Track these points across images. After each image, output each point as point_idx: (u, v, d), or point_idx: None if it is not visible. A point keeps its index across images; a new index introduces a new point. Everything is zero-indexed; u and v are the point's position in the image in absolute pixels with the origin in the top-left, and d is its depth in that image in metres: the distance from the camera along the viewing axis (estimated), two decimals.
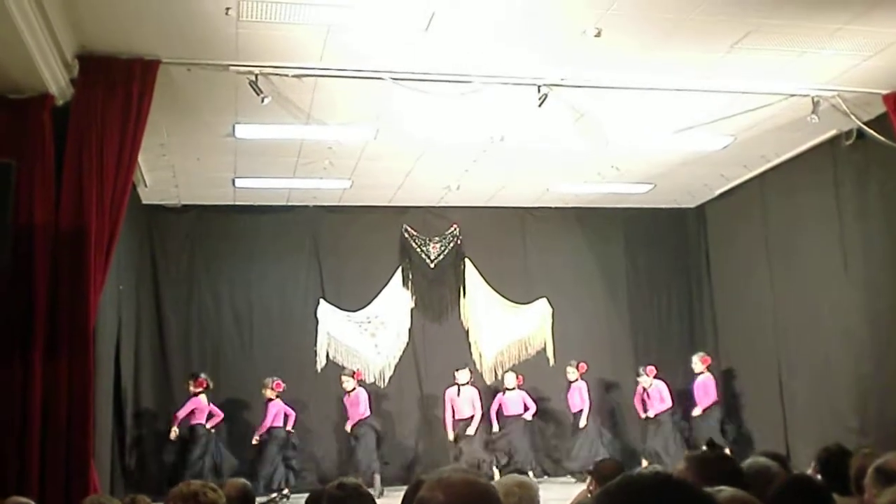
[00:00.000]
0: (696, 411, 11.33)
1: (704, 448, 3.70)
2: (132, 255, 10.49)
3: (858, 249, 9.71)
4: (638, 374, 11.62)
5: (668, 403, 11.42)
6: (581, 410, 11.51)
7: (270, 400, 10.79)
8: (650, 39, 6.96)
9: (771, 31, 6.83)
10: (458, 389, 11.33)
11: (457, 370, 11.33)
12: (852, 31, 6.89)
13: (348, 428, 11.00)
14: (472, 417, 11.28)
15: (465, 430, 11.20)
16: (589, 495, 4.65)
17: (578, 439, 11.44)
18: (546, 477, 11.30)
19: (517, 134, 9.10)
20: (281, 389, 10.82)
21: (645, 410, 11.57)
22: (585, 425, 11.45)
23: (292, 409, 10.99)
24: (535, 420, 11.79)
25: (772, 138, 9.69)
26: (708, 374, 11.46)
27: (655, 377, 11.54)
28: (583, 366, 11.60)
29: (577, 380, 11.58)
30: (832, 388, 10.02)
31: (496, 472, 10.67)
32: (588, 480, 4.94)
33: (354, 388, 11.03)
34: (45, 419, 6.41)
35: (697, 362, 11.51)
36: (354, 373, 11.12)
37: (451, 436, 11.28)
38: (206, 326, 11.71)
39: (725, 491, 2.57)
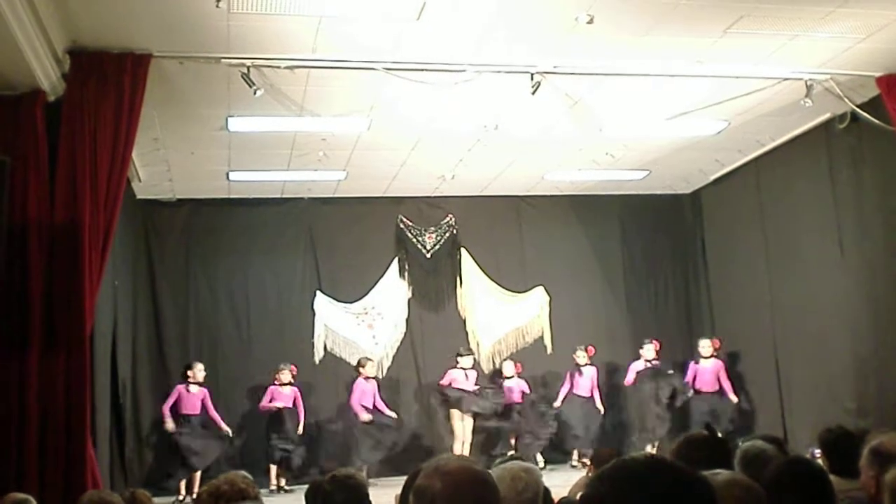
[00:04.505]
0: (732, 397, 11.17)
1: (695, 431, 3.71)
2: (127, 250, 10.47)
3: (854, 231, 9.72)
4: (641, 346, 11.59)
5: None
6: (590, 396, 11.54)
7: (289, 384, 10.83)
8: (643, 25, 6.94)
9: (763, 14, 6.82)
10: (465, 374, 11.25)
11: (459, 355, 11.26)
12: (845, 13, 6.88)
13: (367, 417, 10.84)
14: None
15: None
16: None
17: (589, 424, 11.47)
18: (547, 464, 11.30)
19: (511, 122, 9.09)
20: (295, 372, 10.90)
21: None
22: (604, 412, 11.55)
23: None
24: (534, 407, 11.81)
25: (766, 123, 9.69)
26: (716, 360, 11.37)
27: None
28: (591, 349, 11.60)
29: (587, 363, 11.57)
30: (829, 370, 10.04)
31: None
32: (588, 466, 4.96)
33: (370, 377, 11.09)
34: (43, 416, 6.41)
35: (707, 346, 11.40)
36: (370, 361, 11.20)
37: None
38: (203, 320, 11.70)
39: (722, 474, 2.57)
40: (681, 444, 3.35)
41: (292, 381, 10.85)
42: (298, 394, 10.89)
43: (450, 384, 11.17)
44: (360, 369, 11.05)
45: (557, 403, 11.57)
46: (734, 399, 11.20)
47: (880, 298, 9.33)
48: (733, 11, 6.75)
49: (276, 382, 10.80)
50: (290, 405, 10.80)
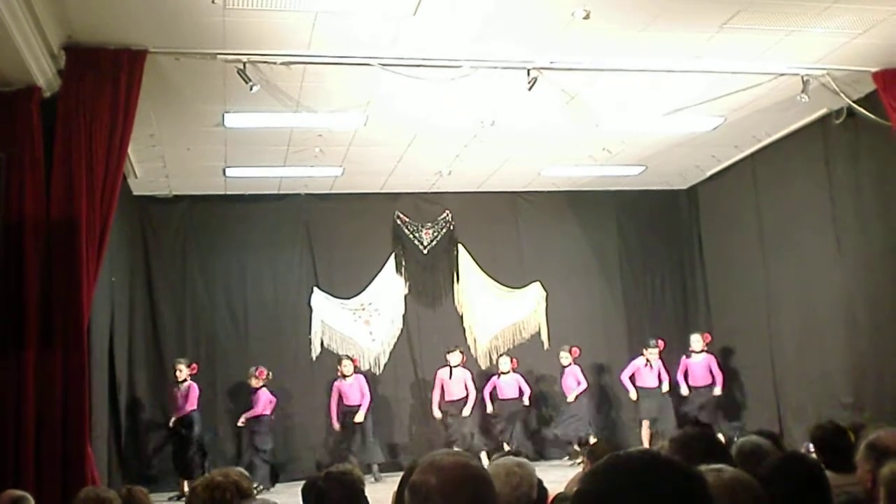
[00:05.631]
0: (717, 390, 11.31)
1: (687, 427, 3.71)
2: (124, 246, 10.46)
3: (851, 226, 9.73)
4: (646, 346, 11.54)
5: (664, 381, 11.40)
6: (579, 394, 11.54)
7: (258, 388, 10.79)
8: (639, 21, 6.94)
9: (760, 10, 6.82)
10: (450, 371, 11.30)
11: (448, 352, 11.32)
12: (841, 8, 6.88)
13: (337, 426, 11.05)
14: (463, 399, 11.23)
15: (458, 411, 11.18)
16: None
17: (566, 416, 11.48)
18: (542, 460, 11.31)
19: (508, 118, 9.08)
20: (264, 377, 10.81)
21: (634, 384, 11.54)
22: (574, 400, 11.42)
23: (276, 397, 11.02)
24: (531, 403, 11.80)
25: (762, 118, 9.69)
26: (707, 354, 11.43)
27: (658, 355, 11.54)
28: (575, 350, 11.62)
29: (570, 364, 11.58)
30: (826, 365, 10.06)
31: (485, 455, 10.62)
32: (583, 462, 4.96)
33: (353, 374, 11.05)
34: (40, 412, 6.40)
35: (698, 340, 11.47)
36: (353, 359, 11.15)
37: (436, 414, 11.31)
38: (199, 316, 11.69)
39: (721, 471, 2.56)
40: (677, 439, 3.35)
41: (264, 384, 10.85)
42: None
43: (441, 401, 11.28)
44: (339, 367, 11.09)
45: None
46: (718, 392, 11.32)
47: (877, 293, 9.34)
48: (730, 7, 6.74)
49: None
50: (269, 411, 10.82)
